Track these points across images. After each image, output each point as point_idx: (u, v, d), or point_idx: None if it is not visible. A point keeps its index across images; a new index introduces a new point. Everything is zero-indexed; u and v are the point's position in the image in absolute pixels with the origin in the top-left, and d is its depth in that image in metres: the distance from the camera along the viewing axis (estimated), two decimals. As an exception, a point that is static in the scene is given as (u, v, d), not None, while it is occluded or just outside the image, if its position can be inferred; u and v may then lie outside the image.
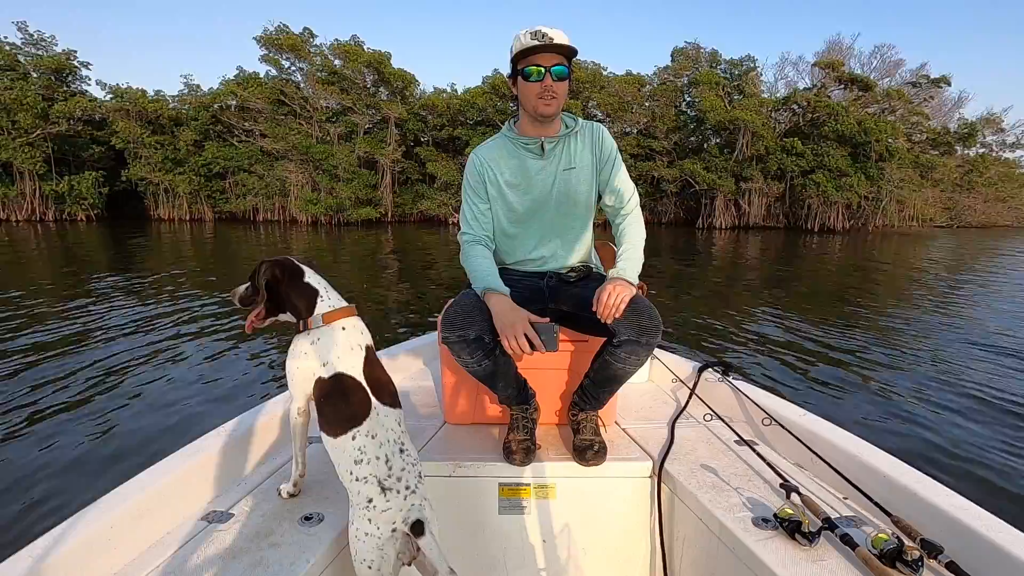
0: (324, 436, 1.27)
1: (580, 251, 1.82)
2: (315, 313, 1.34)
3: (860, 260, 15.07)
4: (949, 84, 28.51)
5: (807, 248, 18.26)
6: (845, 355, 5.32)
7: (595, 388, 1.69)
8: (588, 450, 1.64)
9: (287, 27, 26.30)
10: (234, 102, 26.64)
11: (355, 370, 1.30)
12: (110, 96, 27.11)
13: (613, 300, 1.47)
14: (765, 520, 1.32)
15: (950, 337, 6.15)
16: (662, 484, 1.60)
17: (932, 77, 28.39)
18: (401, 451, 1.26)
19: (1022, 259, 15.61)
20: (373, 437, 1.23)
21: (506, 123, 1.78)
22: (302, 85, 27.26)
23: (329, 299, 1.36)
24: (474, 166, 1.75)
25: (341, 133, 26.63)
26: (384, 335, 5.78)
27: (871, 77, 28.15)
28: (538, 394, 1.81)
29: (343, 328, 1.34)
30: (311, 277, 1.38)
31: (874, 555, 1.13)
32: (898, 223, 27.61)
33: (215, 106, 26.51)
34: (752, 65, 28.36)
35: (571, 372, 1.85)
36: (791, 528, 1.24)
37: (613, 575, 1.70)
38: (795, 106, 27.82)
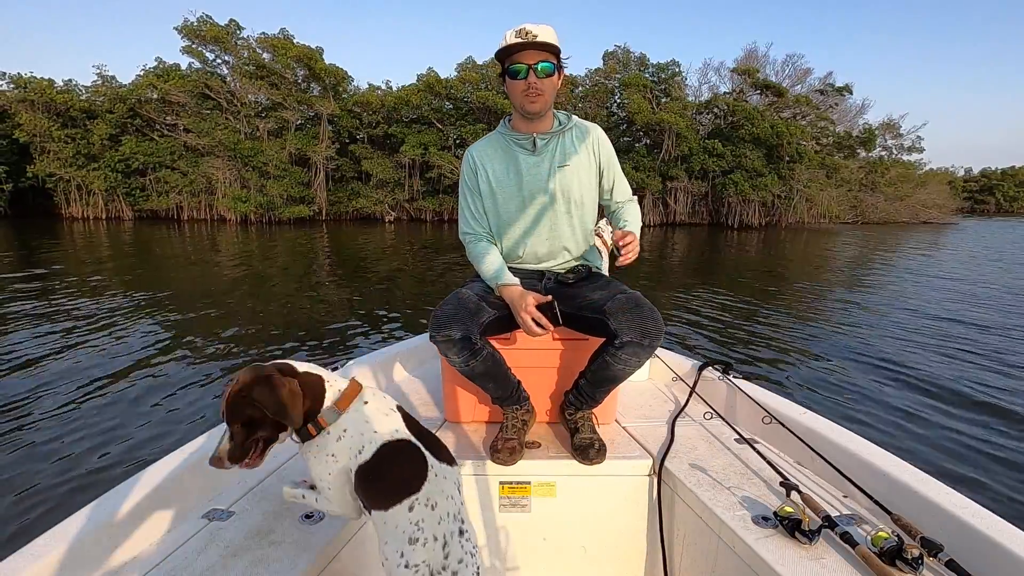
0: (372, 512, 1.11)
1: (577, 250, 1.82)
2: (325, 406, 1.14)
3: (775, 254, 16.35)
4: (851, 92, 31.01)
5: (728, 243, 19.59)
6: (773, 340, 6.00)
7: (591, 388, 1.68)
8: (589, 448, 1.63)
9: (210, 17, 25.30)
10: (154, 95, 25.32)
11: (401, 432, 1.15)
12: (12, 86, 25.16)
13: (633, 243, 1.58)
14: (765, 518, 1.32)
15: (884, 323, 7.00)
16: (662, 482, 1.60)
17: (836, 85, 30.78)
18: (461, 532, 1.10)
19: (924, 251, 17.38)
20: (433, 507, 1.07)
21: (502, 121, 1.79)
22: (228, 79, 26.27)
23: (335, 382, 1.19)
24: (468, 164, 1.76)
25: (271, 129, 25.87)
26: (345, 338, 5.93)
27: (783, 84, 30.16)
28: (536, 393, 1.80)
29: (365, 402, 1.18)
30: (303, 366, 1.18)
31: (874, 553, 1.13)
32: (807, 220, 29.77)
33: (133, 98, 25.11)
34: (677, 70, 29.75)
35: (571, 371, 1.83)
36: (791, 526, 1.24)
37: (613, 573, 1.70)
38: (716, 109, 29.47)
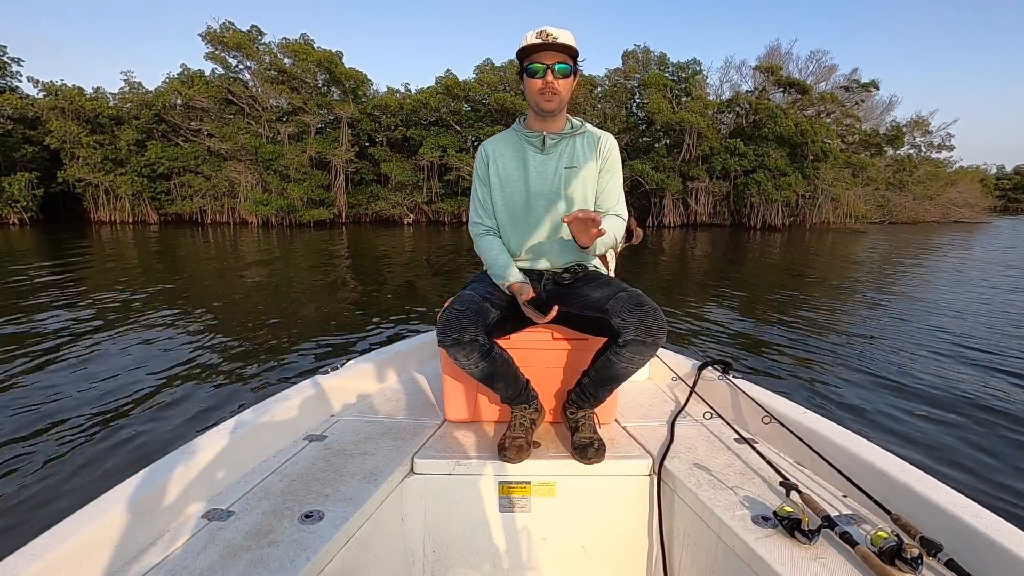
0: None
1: (576, 253, 1.82)
2: None
3: (798, 256, 15.97)
4: (878, 88, 30.19)
5: (751, 244, 19.18)
6: (783, 344, 5.80)
7: (594, 386, 1.69)
8: (589, 448, 1.65)
9: (233, 24, 25.71)
10: (179, 101, 25.83)
11: None
12: (43, 94, 25.90)
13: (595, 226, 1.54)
14: (765, 518, 1.33)
15: (904, 327, 6.76)
16: (662, 482, 1.60)
17: (863, 82, 30.03)
18: None
19: (954, 252, 16.84)
20: None
21: (517, 119, 1.84)
22: (250, 84, 26.67)
23: None
24: (481, 156, 1.82)
25: (292, 133, 26.19)
26: (357, 336, 5.93)
27: (808, 81, 29.52)
28: (538, 394, 1.81)
29: None
30: None
31: (873, 553, 1.14)
32: (833, 220, 29.06)
33: (159, 104, 25.66)
34: (698, 68, 29.35)
35: (572, 371, 1.85)
36: (791, 526, 1.24)
37: (613, 573, 1.70)
38: (738, 108, 28.96)
